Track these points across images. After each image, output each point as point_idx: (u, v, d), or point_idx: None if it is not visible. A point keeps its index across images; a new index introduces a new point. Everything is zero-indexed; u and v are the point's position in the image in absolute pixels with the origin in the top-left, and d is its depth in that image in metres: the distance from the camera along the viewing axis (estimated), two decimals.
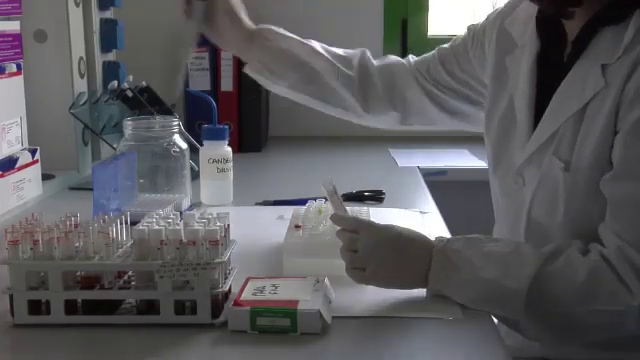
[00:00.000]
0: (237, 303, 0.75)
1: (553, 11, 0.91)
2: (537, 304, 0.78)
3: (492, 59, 1.03)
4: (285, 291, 0.77)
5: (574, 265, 0.78)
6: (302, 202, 1.10)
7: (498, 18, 1.05)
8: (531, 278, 0.78)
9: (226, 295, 0.80)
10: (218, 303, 0.76)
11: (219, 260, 0.75)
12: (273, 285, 0.79)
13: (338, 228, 0.86)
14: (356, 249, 0.83)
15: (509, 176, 0.96)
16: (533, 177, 0.91)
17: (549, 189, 0.89)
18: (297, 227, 0.97)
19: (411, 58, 1.22)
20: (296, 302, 0.74)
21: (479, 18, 1.13)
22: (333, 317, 0.76)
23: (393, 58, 1.23)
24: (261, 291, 0.77)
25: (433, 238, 0.85)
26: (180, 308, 0.76)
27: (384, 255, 0.82)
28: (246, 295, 0.77)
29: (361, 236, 0.83)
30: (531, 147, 0.91)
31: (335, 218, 0.87)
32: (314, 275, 0.82)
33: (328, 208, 1.03)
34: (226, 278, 0.79)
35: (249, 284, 0.80)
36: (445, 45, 1.18)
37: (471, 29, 1.12)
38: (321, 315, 0.73)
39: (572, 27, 0.90)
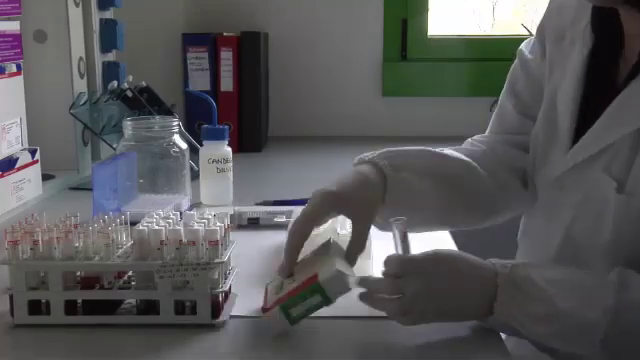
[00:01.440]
0: (266, 309, 0.75)
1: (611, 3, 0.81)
2: (617, 337, 0.70)
3: (547, 46, 0.94)
4: (301, 274, 0.76)
5: None
6: (302, 202, 1.09)
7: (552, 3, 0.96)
8: (612, 308, 0.70)
9: (226, 295, 0.80)
10: (218, 303, 0.77)
11: (219, 260, 0.75)
12: (289, 276, 0.78)
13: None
14: (401, 293, 0.73)
15: (548, 182, 0.89)
16: (576, 191, 0.84)
17: (595, 208, 0.81)
18: None
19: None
20: (315, 276, 0.73)
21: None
22: (334, 318, 0.76)
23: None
24: (281, 287, 0.77)
25: (488, 261, 0.75)
26: (180, 308, 0.76)
27: (436, 288, 0.73)
28: (270, 298, 0.77)
29: (407, 279, 0.73)
30: (576, 157, 0.83)
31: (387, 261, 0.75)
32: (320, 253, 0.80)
33: None
34: (226, 278, 0.79)
35: (269, 288, 0.80)
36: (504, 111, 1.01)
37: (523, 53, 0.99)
38: (342, 272, 0.71)
39: (632, 26, 0.81)
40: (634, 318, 0.71)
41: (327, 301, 0.72)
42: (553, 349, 0.78)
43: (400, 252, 0.77)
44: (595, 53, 0.86)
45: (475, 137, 1.04)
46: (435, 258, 0.75)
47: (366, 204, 0.82)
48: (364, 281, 0.75)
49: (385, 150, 0.89)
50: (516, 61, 1.01)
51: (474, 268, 0.75)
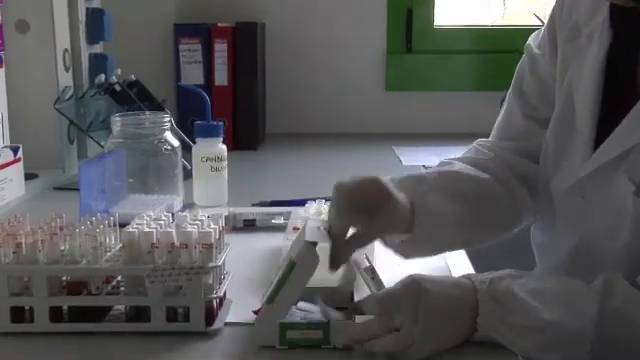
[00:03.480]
0: (256, 312, 0.75)
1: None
2: (603, 345, 0.72)
3: (559, 45, 0.94)
4: (283, 265, 0.77)
5: (635, 302, 0.73)
6: (301, 203, 1.10)
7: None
8: (595, 316, 0.72)
9: (220, 301, 0.80)
10: (212, 310, 0.77)
11: (213, 264, 0.75)
12: (276, 271, 0.78)
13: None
14: (396, 328, 0.73)
15: (566, 187, 0.89)
16: (596, 193, 0.84)
17: (615, 209, 0.82)
18: (295, 229, 0.97)
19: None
20: (291, 258, 0.73)
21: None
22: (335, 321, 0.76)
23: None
24: (270, 285, 0.77)
25: (462, 276, 0.77)
26: (172, 315, 0.76)
27: (426, 311, 0.73)
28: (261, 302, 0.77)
29: (394, 313, 0.73)
30: (596, 161, 0.84)
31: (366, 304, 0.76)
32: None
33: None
34: (220, 283, 0.79)
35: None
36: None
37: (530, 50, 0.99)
38: (311, 242, 0.72)
39: None
40: (620, 325, 0.72)
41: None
42: None
43: (374, 290, 0.79)
44: (614, 50, 0.86)
45: (480, 141, 1.04)
46: (413, 284, 0.75)
47: (393, 218, 0.84)
48: (354, 331, 0.74)
49: (405, 176, 0.91)
50: (523, 57, 1.01)
51: (454, 287, 0.76)
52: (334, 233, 0.80)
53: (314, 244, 0.73)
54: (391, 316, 0.73)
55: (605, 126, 0.84)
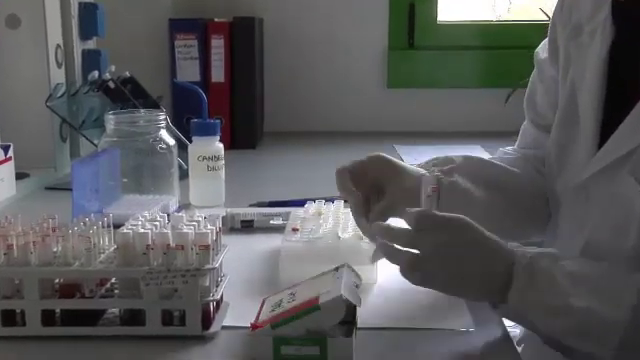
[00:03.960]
0: (256, 326, 0.74)
1: None
2: (637, 338, 0.72)
3: (561, 45, 0.96)
4: (303, 294, 0.76)
5: None
6: (300, 203, 1.10)
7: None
8: (632, 308, 0.72)
9: (217, 304, 0.80)
10: (209, 313, 0.77)
11: (210, 266, 0.76)
12: (291, 294, 0.78)
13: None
14: (415, 247, 0.77)
15: (570, 188, 0.91)
16: (601, 194, 0.85)
17: (620, 211, 0.82)
18: (295, 230, 0.97)
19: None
20: (316, 298, 0.72)
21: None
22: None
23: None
24: (279, 305, 0.76)
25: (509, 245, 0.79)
26: (168, 318, 0.76)
27: (451, 254, 0.76)
28: (264, 314, 0.76)
29: (423, 234, 0.76)
30: (601, 161, 0.85)
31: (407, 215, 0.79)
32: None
33: (329, 210, 1.04)
34: (217, 286, 0.80)
35: (266, 303, 0.79)
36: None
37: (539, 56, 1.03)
38: (345, 298, 0.71)
39: None
40: None
41: (323, 349, 0.70)
42: (568, 350, 0.79)
43: (423, 207, 0.80)
44: (617, 47, 0.87)
45: (505, 148, 1.09)
46: (457, 222, 0.77)
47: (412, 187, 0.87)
48: (384, 230, 0.79)
49: (431, 158, 0.96)
50: (534, 70, 1.04)
51: (494, 250, 0.77)
52: (355, 218, 0.86)
53: (346, 301, 0.71)
54: (421, 236, 0.76)
55: (609, 125, 0.85)
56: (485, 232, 0.79)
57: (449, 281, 0.77)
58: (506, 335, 0.79)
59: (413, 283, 0.78)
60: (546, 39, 1.02)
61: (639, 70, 0.84)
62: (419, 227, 0.77)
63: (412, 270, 0.77)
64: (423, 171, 0.91)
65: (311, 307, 0.71)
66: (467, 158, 0.98)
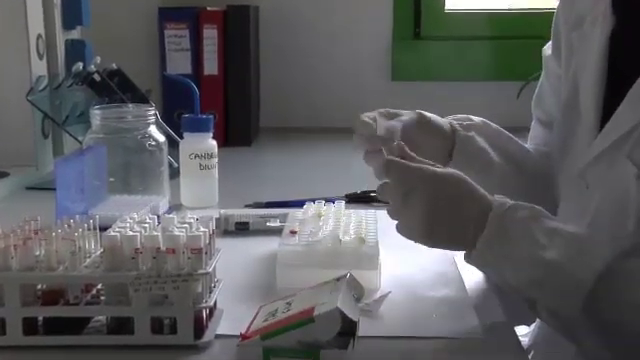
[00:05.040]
0: (245, 336, 0.74)
1: None
2: (601, 303, 0.76)
3: (563, 38, 1.02)
4: (299, 304, 0.76)
5: None
6: (299, 204, 1.10)
7: None
8: (602, 269, 0.76)
9: (211, 312, 0.80)
10: (202, 321, 0.77)
11: (203, 271, 0.76)
12: (287, 303, 0.78)
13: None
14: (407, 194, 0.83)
15: (571, 177, 0.94)
16: (600, 180, 0.89)
17: (618, 196, 0.86)
18: (293, 233, 0.97)
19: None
20: (311, 310, 0.72)
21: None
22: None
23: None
24: (273, 315, 0.77)
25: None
26: (158, 327, 0.76)
27: (436, 199, 0.82)
28: (256, 324, 0.77)
29: (418, 190, 0.82)
30: (599, 145, 0.89)
31: (391, 167, 0.85)
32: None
33: (329, 211, 1.04)
34: (211, 292, 0.80)
35: (260, 312, 0.80)
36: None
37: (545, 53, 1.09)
38: (341, 311, 0.71)
39: None
40: (622, 286, 0.76)
41: (314, 343, 0.71)
42: (533, 305, 0.82)
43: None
44: (618, 33, 0.91)
45: None
46: (447, 177, 0.83)
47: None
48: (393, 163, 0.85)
49: (452, 116, 1.04)
50: (543, 68, 1.09)
51: (475, 198, 0.82)
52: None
53: (342, 315, 0.71)
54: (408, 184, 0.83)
55: (609, 113, 0.88)
56: (469, 180, 0.84)
57: (430, 218, 0.82)
58: (516, 342, 0.80)
59: (389, 213, 0.85)
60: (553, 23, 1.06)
61: (638, 56, 0.88)
62: (388, 175, 0.84)
63: (394, 196, 0.84)
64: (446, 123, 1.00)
65: (305, 319, 0.71)
66: (486, 123, 1.04)
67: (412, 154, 0.86)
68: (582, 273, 0.76)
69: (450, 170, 0.85)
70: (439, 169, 0.84)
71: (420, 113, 1.01)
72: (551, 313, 0.80)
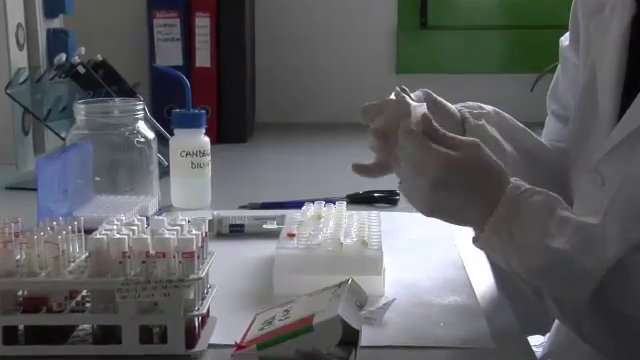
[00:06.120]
0: (241, 346, 0.74)
1: None
2: (610, 296, 0.78)
3: (582, 26, 1.03)
4: (298, 311, 0.76)
5: None
6: (296, 205, 1.11)
7: None
8: (614, 261, 0.78)
9: (203, 319, 0.80)
10: (193, 329, 0.77)
11: (195, 276, 0.76)
12: (285, 310, 0.78)
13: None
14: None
15: (586, 173, 0.95)
16: (615, 176, 0.90)
17: (633, 192, 0.87)
18: (290, 236, 0.97)
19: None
20: (311, 318, 0.72)
21: None
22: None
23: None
24: (270, 323, 0.77)
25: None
26: (147, 336, 0.76)
27: (445, 185, 0.83)
28: (251, 333, 0.77)
29: (430, 173, 0.84)
30: (616, 137, 0.90)
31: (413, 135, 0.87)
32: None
33: (329, 213, 1.05)
34: (203, 299, 0.80)
35: (256, 320, 0.80)
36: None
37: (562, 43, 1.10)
38: (342, 320, 0.71)
39: None
40: (634, 280, 0.78)
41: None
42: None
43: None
44: (638, 19, 0.92)
45: None
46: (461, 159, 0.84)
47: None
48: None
49: (462, 103, 1.06)
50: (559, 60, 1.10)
51: (493, 181, 0.84)
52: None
53: (343, 323, 0.71)
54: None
55: (628, 104, 0.89)
56: (492, 157, 0.85)
57: (429, 199, 0.84)
58: (529, 352, 0.80)
59: (401, 188, 0.88)
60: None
61: None
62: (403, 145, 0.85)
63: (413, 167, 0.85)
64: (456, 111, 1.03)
65: (303, 327, 0.72)
66: (499, 112, 1.05)
67: (436, 127, 0.86)
68: (591, 264, 0.78)
69: (468, 152, 0.85)
70: (457, 154, 0.84)
71: (427, 91, 1.04)
72: (557, 302, 0.81)
